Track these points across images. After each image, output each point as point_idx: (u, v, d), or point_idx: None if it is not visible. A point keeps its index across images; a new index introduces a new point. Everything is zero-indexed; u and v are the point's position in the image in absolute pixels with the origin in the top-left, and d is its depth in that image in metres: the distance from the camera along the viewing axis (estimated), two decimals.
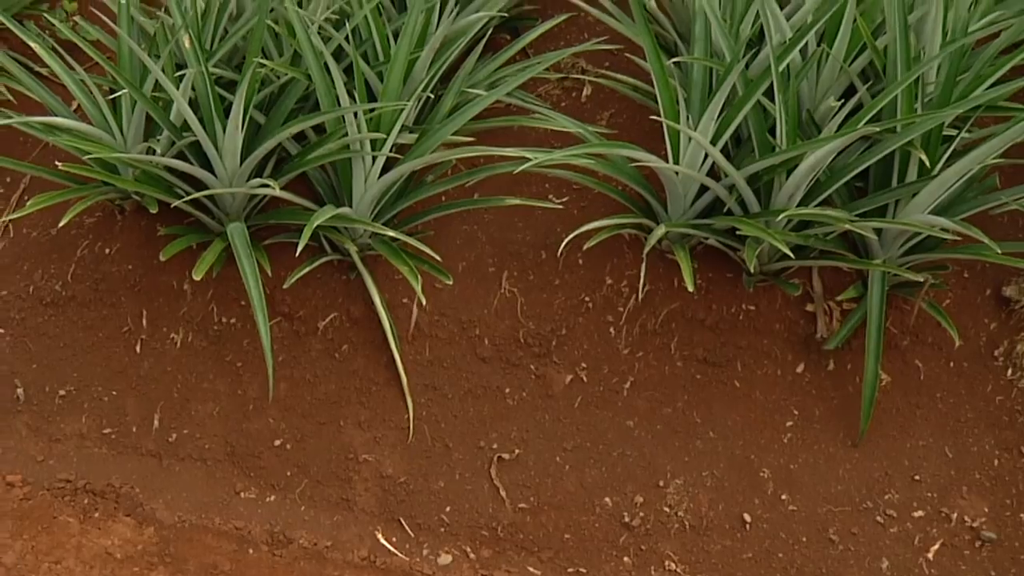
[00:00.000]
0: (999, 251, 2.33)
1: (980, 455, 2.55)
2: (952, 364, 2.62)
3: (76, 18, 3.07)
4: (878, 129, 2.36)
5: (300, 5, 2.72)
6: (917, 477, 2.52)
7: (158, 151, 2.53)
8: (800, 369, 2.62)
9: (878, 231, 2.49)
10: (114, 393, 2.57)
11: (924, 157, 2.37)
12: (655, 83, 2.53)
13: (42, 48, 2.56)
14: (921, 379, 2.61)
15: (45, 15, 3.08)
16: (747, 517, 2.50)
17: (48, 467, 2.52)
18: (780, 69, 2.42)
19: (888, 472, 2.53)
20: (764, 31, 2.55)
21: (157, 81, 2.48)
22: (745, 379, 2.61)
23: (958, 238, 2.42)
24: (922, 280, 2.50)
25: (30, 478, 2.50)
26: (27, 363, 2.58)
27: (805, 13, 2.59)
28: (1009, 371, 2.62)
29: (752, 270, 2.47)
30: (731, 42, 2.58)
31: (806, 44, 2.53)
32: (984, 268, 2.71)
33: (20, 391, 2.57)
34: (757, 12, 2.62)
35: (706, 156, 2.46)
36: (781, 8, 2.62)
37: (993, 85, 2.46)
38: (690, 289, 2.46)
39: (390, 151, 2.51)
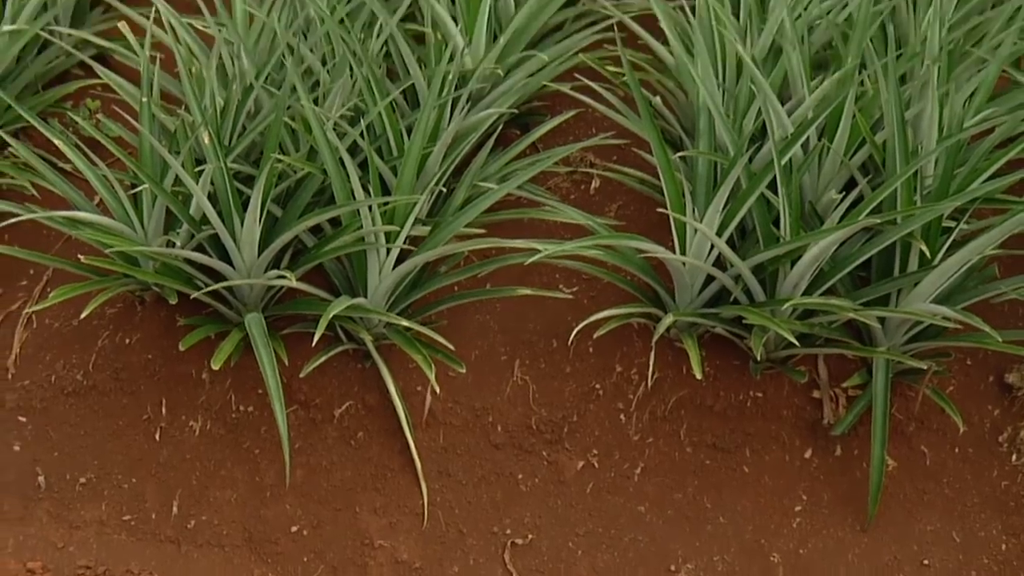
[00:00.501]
0: (1000, 339, 2.38)
1: (988, 540, 2.56)
2: (957, 450, 2.64)
3: (98, 116, 3.13)
4: (879, 221, 2.41)
5: (316, 102, 2.78)
6: (926, 562, 2.53)
7: (178, 244, 2.56)
8: (808, 454, 2.64)
9: (881, 319, 2.53)
10: (134, 480, 2.59)
11: (924, 248, 2.42)
12: (661, 176, 2.59)
13: (66, 145, 2.61)
14: (927, 464, 2.63)
15: (68, 113, 3.13)
16: None
17: (68, 554, 2.53)
18: (782, 163, 2.47)
19: (897, 557, 2.54)
20: (766, 126, 2.61)
21: (177, 176, 2.52)
22: (754, 464, 2.63)
23: (959, 326, 2.45)
24: (925, 367, 2.54)
25: (50, 564, 2.50)
26: (48, 451, 2.60)
27: (806, 109, 2.66)
28: (1014, 457, 2.65)
29: (759, 358, 2.51)
30: (734, 137, 2.64)
31: (807, 139, 2.58)
32: (986, 355, 2.74)
33: (41, 479, 2.59)
34: (759, 108, 2.69)
35: (712, 247, 2.51)
36: (782, 104, 2.68)
37: (990, 178, 2.52)
38: (698, 377, 2.50)
39: (404, 243, 2.55)
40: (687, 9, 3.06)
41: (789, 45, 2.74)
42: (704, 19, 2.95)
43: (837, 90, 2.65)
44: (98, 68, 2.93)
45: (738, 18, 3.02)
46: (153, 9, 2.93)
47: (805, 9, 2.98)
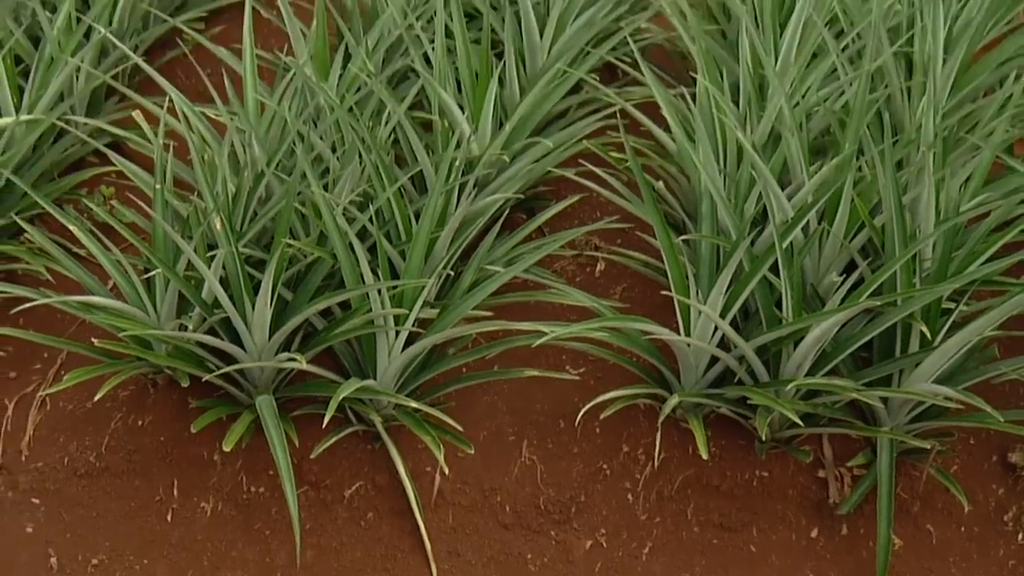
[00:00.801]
0: (1002, 420, 2.40)
1: None
2: (963, 529, 2.65)
3: (113, 202, 3.19)
4: (879, 303, 2.43)
5: (326, 188, 2.82)
6: None
7: (190, 327, 2.59)
8: (814, 534, 2.65)
9: (884, 400, 2.55)
10: (145, 562, 2.58)
11: (925, 329, 2.45)
12: (665, 259, 2.64)
13: (80, 230, 2.65)
14: (933, 543, 2.63)
15: (83, 199, 3.18)
16: None
17: None
18: (784, 246, 2.51)
19: None
20: (767, 210, 2.66)
21: (189, 261, 2.56)
22: (761, 544, 2.64)
23: (962, 407, 2.48)
24: (929, 447, 2.56)
25: None
26: (61, 532, 2.60)
27: (806, 193, 2.71)
28: (1020, 536, 2.65)
29: (764, 438, 2.52)
30: (736, 221, 2.69)
31: (807, 222, 2.63)
32: (989, 435, 2.77)
33: (54, 560, 2.58)
34: (760, 192, 2.75)
35: (716, 328, 2.55)
36: (782, 188, 2.74)
37: (987, 261, 2.56)
38: (704, 457, 2.52)
39: (412, 326, 2.58)
40: (688, 97, 3.13)
41: (788, 132, 2.80)
42: (704, 106, 3.02)
43: (836, 175, 2.70)
44: (113, 156, 2.96)
45: (738, 105, 3.09)
46: (167, 98, 2.98)
47: (803, 97, 3.05)
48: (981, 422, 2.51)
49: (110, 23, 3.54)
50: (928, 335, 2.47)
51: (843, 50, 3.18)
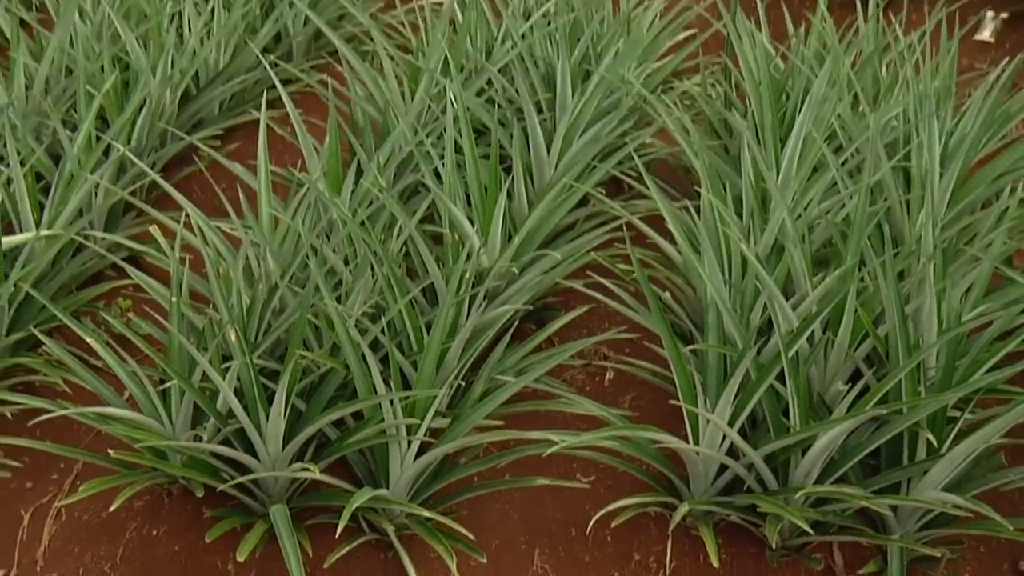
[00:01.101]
0: (1011, 528, 2.41)
1: None
2: None
3: (129, 314, 3.24)
4: (885, 411, 2.47)
5: (339, 301, 2.87)
6: None
7: (205, 438, 2.61)
8: None
9: (894, 507, 2.57)
10: None
11: (931, 437, 2.48)
12: (673, 369, 2.67)
13: (97, 342, 2.69)
14: None
15: (101, 312, 3.23)
16: None
17: None
18: (789, 355, 2.55)
19: None
20: (772, 320, 2.71)
21: (204, 372, 2.59)
22: None
23: (971, 515, 2.49)
24: (940, 555, 2.56)
25: None
26: None
27: (810, 304, 2.76)
28: None
29: (774, 545, 2.53)
30: (742, 330, 2.74)
31: (812, 332, 2.67)
32: (999, 543, 2.77)
33: None
34: (765, 303, 2.80)
35: (724, 437, 2.57)
36: (787, 299, 2.79)
37: (991, 370, 2.60)
38: (715, 564, 2.53)
39: (424, 435, 2.60)
40: (692, 209, 3.20)
41: (791, 244, 2.86)
42: (709, 219, 3.09)
43: (839, 286, 2.75)
44: (130, 269, 3.02)
45: (741, 218, 3.16)
46: (183, 213, 3.05)
47: (805, 209, 3.12)
48: (991, 530, 2.51)
49: (128, 141, 3.64)
50: (935, 443, 2.50)
51: (843, 164, 3.26)
